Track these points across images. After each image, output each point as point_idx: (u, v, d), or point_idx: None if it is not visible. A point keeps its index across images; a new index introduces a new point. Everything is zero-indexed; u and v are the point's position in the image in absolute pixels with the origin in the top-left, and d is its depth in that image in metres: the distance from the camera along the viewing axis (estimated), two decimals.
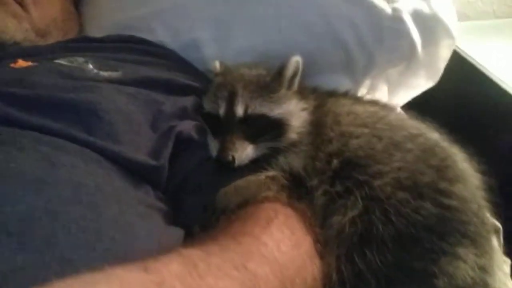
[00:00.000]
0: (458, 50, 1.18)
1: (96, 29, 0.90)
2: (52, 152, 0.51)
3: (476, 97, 1.18)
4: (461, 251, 0.57)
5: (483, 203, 0.64)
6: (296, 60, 0.73)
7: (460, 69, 1.20)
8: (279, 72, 0.73)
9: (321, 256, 0.57)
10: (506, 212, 0.76)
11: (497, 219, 0.77)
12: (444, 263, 0.56)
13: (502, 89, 1.08)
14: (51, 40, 0.81)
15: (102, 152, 0.56)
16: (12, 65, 0.64)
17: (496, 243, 0.72)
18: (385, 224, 0.59)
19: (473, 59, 1.18)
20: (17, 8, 0.77)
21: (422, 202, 0.59)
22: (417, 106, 0.93)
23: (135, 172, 0.60)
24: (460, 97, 1.20)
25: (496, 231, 0.77)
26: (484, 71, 1.14)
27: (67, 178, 0.48)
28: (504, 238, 0.77)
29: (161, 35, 0.87)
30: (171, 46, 0.86)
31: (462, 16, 1.34)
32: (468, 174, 0.65)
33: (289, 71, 0.73)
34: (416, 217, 0.59)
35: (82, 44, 0.78)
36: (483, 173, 0.66)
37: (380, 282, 0.57)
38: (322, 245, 0.58)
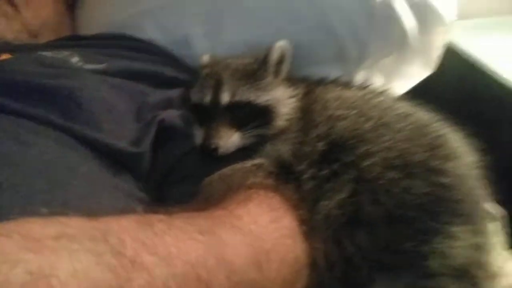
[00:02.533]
0: (457, 47, 1.17)
1: (89, 32, 0.91)
2: (23, 133, 0.50)
3: (477, 93, 1.15)
4: (454, 230, 0.54)
5: (478, 182, 0.61)
6: (280, 45, 0.72)
7: (461, 66, 1.18)
8: (264, 58, 0.72)
9: (308, 240, 0.55)
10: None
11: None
12: (437, 243, 0.54)
13: (503, 84, 1.05)
14: (43, 41, 0.82)
15: (80, 138, 0.55)
16: None
17: (496, 228, 0.68)
18: (374, 205, 0.56)
19: (472, 56, 1.15)
20: (8, 8, 0.78)
21: (412, 181, 0.57)
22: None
23: (114, 160, 0.58)
24: (460, 94, 1.18)
25: (499, 217, 0.73)
26: (485, 68, 1.11)
27: (36, 157, 0.48)
28: None
29: (151, 33, 0.87)
30: (162, 43, 0.86)
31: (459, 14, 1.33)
32: (461, 153, 0.62)
33: (273, 57, 0.72)
34: (407, 197, 0.56)
35: (71, 41, 0.79)
36: (485, 166, 0.64)
37: (370, 265, 0.54)
38: (310, 229, 0.56)
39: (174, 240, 0.36)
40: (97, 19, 0.92)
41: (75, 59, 0.69)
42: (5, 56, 0.65)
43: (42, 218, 0.32)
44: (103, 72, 0.68)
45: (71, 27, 0.92)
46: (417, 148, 0.61)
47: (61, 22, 0.88)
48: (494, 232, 0.68)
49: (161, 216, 0.40)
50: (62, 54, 0.69)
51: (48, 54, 0.68)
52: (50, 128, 0.54)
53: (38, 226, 0.31)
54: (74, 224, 0.33)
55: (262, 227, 0.47)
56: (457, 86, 1.17)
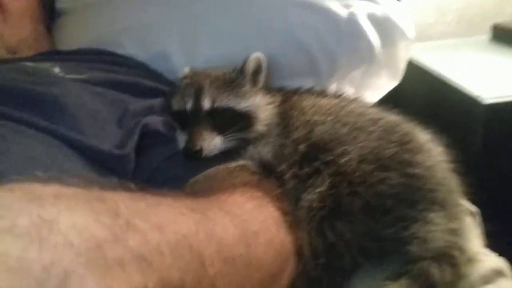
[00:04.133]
0: (420, 65, 1.28)
1: (69, 48, 0.92)
2: (8, 133, 0.50)
3: (436, 99, 1.25)
4: (431, 216, 0.57)
5: (449, 173, 0.65)
6: (255, 56, 0.77)
7: (425, 82, 1.28)
8: (242, 68, 0.76)
9: (293, 231, 0.57)
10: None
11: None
12: (415, 228, 0.56)
13: (464, 93, 1.14)
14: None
15: (65, 140, 0.56)
16: None
17: (472, 224, 0.72)
18: (352, 196, 0.59)
19: (435, 71, 1.25)
20: None
21: (387, 173, 0.60)
22: None
23: (99, 162, 0.59)
24: (422, 100, 1.27)
25: (473, 214, 0.78)
26: (446, 80, 1.21)
27: (22, 152, 0.48)
28: None
29: (130, 49, 0.89)
30: (140, 58, 0.89)
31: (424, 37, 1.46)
32: (430, 146, 0.66)
33: (249, 67, 0.76)
34: (383, 188, 0.59)
35: (53, 55, 0.80)
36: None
37: (352, 253, 0.56)
38: (293, 220, 0.58)
39: (165, 213, 0.37)
40: (76, 36, 0.94)
41: (56, 69, 0.70)
42: None
43: (40, 181, 0.33)
44: (85, 81, 0.69)
45: (50, 44, 0.93)
46: (388, 144, 0.65)
47: (39, 39, 0.89)
48: (470, 223, 0.72)
49: (150, 195, 0.41)
50: (44, 65, 0.70)
51: (30, 64, 0.69)
52: (34, 129, 0.55)
53: (38, 186, 0.32)
54: (71, 188, 0.34)
55: (248, 212, 0.49)
56: (419, 94, 1.26)
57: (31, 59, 0.76)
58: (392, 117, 0.73)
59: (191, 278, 0.35)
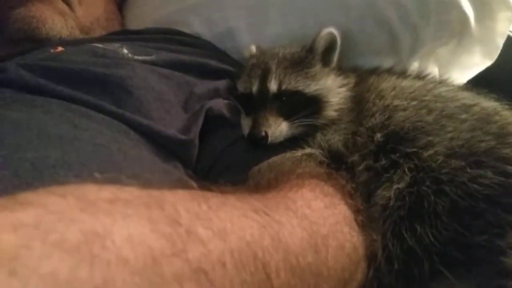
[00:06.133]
0: None
1: (137, 27, 0.92)
2: (77, 117, 0.51)
3: None
4: None
5: None
6: (327, 32, 0.70)
7: None
8: (311, 46, 0.70)
9: (365, 232, 0.51)
10: None
11: None
12: None
13: None
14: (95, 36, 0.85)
15: (131, 124, 0.55)
16: (52, 50, 0.67)
17: None
18: (437, 196, 0.52)
19: None
20: (63, 6, 0.81)
21: (480, 171, 0.52)
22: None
23: (164, 146, 0.58)
24: None
25: None
26: None
27: (89, 139, 0.48)
28: None
29: (197, 27, 0.87)
30: (206, 37, 0.86)
31: None
32: None
33: (320, 44, 0.69)
34: (475, 187, 0.51)
35: (121, 35, 0.81)
36: None
37: (433, 260, 0.49)
38: (366, 220, 0.52)
39: (228, 216, 0.34)
40: (144, 15, 0.94)
41: (124, 51, 0.70)
42: (60, 49, 0.67)
43: (96, 183, 0.31)
44: (152, 63, 0.68)
45: (121, 23, 0.94)
46: (483, 135, 0.56)
47: (111, 19, 0.90)
48: None
49: (215, 193, 0.38)
50: (113, 46, 0.70)
51: (100, 45, 0.69)
52: (102, 114, 0.55)
53: (93, 189, 0.30)
54: (129, 191, 0.31)
55: (317, 212, 0.44)
56: None
57: (101, 39, 0.77)
58: (487, 103, 0.63)
59: None
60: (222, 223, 0.32)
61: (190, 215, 0.31)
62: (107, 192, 0.30)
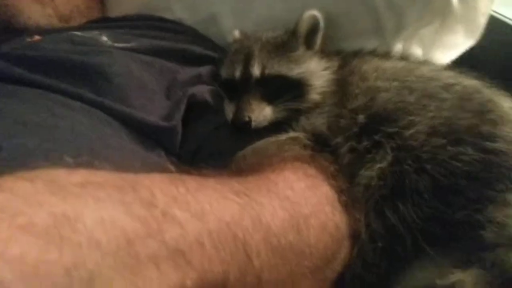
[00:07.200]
0: (504, 19, 1.10)
1: (119, 14, 0.91)
2: (56, 106, 0.50)
3: None
4: (510, 197, 0.49)
5: None
6: (310, 15, 0.69)
7: (509, 39, 1.10)
8: (294, 29, 0.69)
9: (349, 211, 0.52)
10: None
11: None
12: (492, 211, 0.49)
13: None
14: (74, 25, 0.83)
15: (111, 112, 0.55)
16: (28, 39, 0.66)
17: None
18: (419, 174, 0.52)
19: None
20: None
21: (461, 148, 0.53)
22: None
23: (146, 134, 0.58)
24: (507, 62, 1.10)
25: None
26: None
27: (68, 127, 0.47)
28: None
29: (179, 13, 0.86)
30: (189, 22, 0.85)
31: None
32: None
33: (303, 27, 0.69)
34: (456, 164, 0.52)
35: (101, 23, 0.79)
36: None
37: (416, 237, 0.50)
38: (349, 200, 0.53)
39: (207, 198, 0.34)
40: (126, 2, 0.92)
41: (104, 38, 0.69)
42: (37, 38, 0.66)
43: (67, 168, 0.30)
44: (133, 50, 0.67)
45: (102, 11, 0.92)
46: (464, 113, 0.57)
47: (91, 6, 0.88)
48: None
49: (194, 176, 0.38)
50: (92, 33, 0.69)
51: (78, 33, 0.68)
52: (81, 102, 0.54)
53: (63, 173, 0.29)
54: (102, 174, 0.31)
55: (299, 193, 0.44)
56: (503, 55, 1.09)
57: (80, 28, 0.75)
58: (469, 82, 0.63)
59: (235, 271, 0.32)
60: (200, 205, 0.33)
61: (166, 198, 0.31)
62: (78, 176, 0.29)
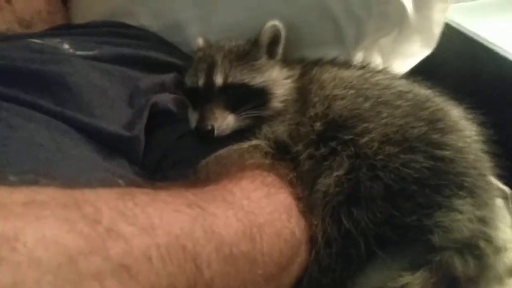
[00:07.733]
0: (461, 28, 1.16)
1: (83, 21, 0.90)
2: (12, 117, 0.49)
3: (482, 72, 1.13)
4: (457, 203, 0.53)
5: (481, 155, 0.59)
6: (271, 25, 0.71)
7: (464, 46, 1.16)
8: (256, 39, 0.71)
9: (306, 218, 0.54)
10: None
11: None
12: (440, 216, 0.52)
13: (508, 59, 1.03)
14: (35, 31, 0.81)
15: (71, 122, 0.54)
16: None
17: (502, 205, 0.67)
18: (372, 181, 0.55)
19: (477, 35, 1.13)
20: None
21: (412, 156, 0.55)
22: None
23: (107, 144, 0.57)
24: (461, 71, 1.15)
25: (505, 196, 0.71)
26: (489, 46, 1.09)
27: (25, 139, 0.46)
28: None
29: (144, 20, 0.86)
30: (153, 29, 0.85)
31: None
32: (462, 126, 0.60)
33: (265, 37, 0.71)
34: (406, 171, 0.54)
35: (63, 30, 0.78)
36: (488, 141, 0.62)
37: (369, 241, 0.52)
38: (307, 206, 0.54)
39: (157, 212, 0.35)
40: (90, 7, 0.91)
41: (65, 46, 0.68)
42: None
43: (10, 186, 0.31)
44: (94, 58, 0.67)
45: (65, 17, 0.91)
46: (416, 122, 0.59)
47: (54, 12, 0.87)
48: (502, 208, 0.66)
49: (146, 190, 0.39)
50: (52, 41, 0.68)
51: (37, 41, 0.67)
52: (39, 112, 0.53)
53: (5, 192, 0.29)
54: (46, 192, 0.31)
55: (255, 202, 0.46)
56: (457, 64, 1.15)
57: (40, 35, 0.74)
58: (422, 91, 0.66)
59: (183, 282, 0.32)
60: (149, 219, 0.33)
61: (112, 213, 0.31)
62: (21, 194, 0.30)
